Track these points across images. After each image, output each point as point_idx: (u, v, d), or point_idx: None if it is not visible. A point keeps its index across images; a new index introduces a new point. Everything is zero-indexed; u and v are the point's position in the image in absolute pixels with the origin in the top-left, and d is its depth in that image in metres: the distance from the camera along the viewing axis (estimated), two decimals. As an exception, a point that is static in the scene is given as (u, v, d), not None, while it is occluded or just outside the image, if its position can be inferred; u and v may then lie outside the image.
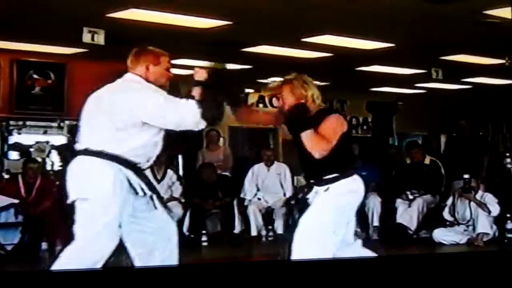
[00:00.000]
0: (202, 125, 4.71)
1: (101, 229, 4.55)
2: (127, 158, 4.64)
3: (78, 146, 4.73)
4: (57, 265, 4.53)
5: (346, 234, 5.01)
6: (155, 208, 4.79)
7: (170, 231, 4.91)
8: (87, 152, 4.65)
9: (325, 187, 4.93)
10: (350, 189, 4.95)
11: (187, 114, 4.64)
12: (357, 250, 5.15)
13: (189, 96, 4.74)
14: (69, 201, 4.67)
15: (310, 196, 5.03)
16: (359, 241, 5.25)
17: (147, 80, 4.84)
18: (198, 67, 4.93)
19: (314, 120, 4.92)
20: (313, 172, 5.05)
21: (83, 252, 4.54)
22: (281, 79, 5.23)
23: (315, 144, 4.82)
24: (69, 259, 4.54)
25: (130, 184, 4.67)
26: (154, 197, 4.83)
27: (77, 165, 4.70)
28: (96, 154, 4.62)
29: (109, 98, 4.73)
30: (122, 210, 4.62)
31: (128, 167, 4.66)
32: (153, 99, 4.70)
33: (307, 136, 4.84)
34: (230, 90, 5.12)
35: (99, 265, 4.52)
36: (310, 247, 4.80)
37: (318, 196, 4.96)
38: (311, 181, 5.06)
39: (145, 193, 4.74)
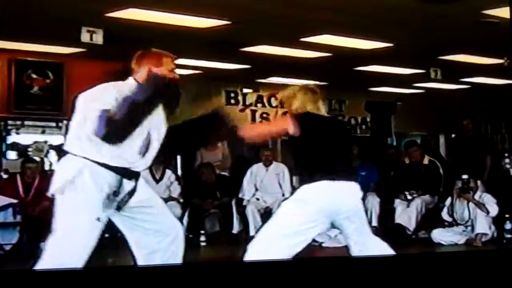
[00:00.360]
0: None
1: (71, 224, 4.56)
2: (91, 158, 4.58)
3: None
4: (43, 257, 4.61)
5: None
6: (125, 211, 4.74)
7: (173, 233, 4.87)
8: (65, 151, 4.68)
9: None
10: (298, 198, 5.09)
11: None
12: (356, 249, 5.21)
13: None
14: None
15: None
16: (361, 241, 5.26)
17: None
18: None
19: None
20: None
21: (60, 246, 4.56)
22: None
23: None
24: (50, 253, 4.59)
25: (99, 182, 4.61)
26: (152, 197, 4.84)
27: (59, 163, 4.85)
28: (68, 153, 4.64)
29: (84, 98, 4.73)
30: (95, 207, 4.58)
31: (107, 168, 4.61)
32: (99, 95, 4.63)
33: None
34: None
35: (79, 260, 4.52)
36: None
37: None
38: None
39: (115, 194, 4.65)
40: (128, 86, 4.71)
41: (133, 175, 4.72)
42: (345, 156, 5.34)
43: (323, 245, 9.76)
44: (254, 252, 5.06)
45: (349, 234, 5.19)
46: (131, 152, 4.67)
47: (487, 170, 10.70)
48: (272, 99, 16.00)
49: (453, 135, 12.05)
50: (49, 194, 4.64)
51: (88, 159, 4.57)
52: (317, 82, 15.70)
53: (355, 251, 5.17)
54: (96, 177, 4.59)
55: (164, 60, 4.84)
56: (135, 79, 4.78)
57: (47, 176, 10.57)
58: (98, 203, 4.59)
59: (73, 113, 4.69)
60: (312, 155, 5.11)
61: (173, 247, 4.84)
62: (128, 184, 4.68)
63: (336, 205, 5.05)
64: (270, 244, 5.01)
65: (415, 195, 10.42)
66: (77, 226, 4.55)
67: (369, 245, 5.22)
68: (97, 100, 4.58)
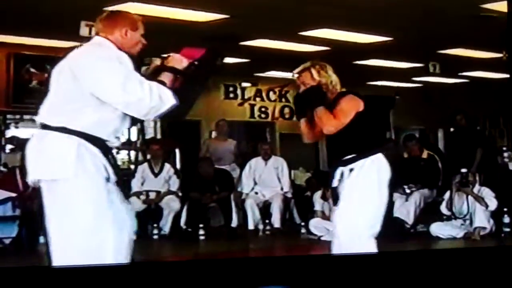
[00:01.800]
0: (153, 116, 4.18)
1: (87, 215, 4.06)
2: (91, 133, 4.11)
3: (39, 120, 4.25)
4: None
5: None
6: (124, 199, 4.29)
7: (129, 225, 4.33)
8: (46, 126, 4.17)
9: (348, 167, 5.04)
10: (376, 168, 5.05)
11: (155, 100, 4.07)
12: None
13: (159, 81, 4.19)
14: (30, 182, 4.25)
15: (336, 175, 5.12)
16: None
17: (121, 47, 4.29)
18: (174, 54, 4.38)
19: (332, 103, 5.12)
20: (336, 153, 5.18)
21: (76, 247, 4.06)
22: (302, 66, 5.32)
23: (325, 120, 5.01)
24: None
25: (97, 164, 4.16)
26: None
27: (36, 141, 4.21)
28: (56, 128, 4.11)
29: (70, 65, 4.18)
30: (101, 192, 4.13)
31: (95, 144, 4.15)
32: (113, 71, 4.11)
33: (317, 113, 5.05)
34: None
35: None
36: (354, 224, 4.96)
37: (346, 179, 5.07)
38: (335, 161, 5.18)
39: (108, 178, 4.19)
40: (112, 50, 4.25)
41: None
42: None
43: (322, 238, 9.77)
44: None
45: None
46: (124, 126, 4.34)
47: (476, 163, 10.74)
48: (271, 93, 16.02)
49: (451, 129, 12.03)
50: (30, 181, 4.21)
51: (88, 135, 4.11)
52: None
53: None
54: (95, 158, 4.15)
55: (139, 24, 4.42)
56: (107, 38, 4.31)
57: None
58: (104, 191, 4.14)
59: (61, 80, 4.18)
60: (371, 130, 5.15)
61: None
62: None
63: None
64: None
65: (413, 189, 10.43)
66: (89, 221, 4.08)
67: None
68: (105, 61, 4.13)
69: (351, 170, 5.04)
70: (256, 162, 11.20)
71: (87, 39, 10.20)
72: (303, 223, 10.41)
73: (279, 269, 4.03)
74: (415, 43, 11.85)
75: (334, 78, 5.28)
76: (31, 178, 4.23)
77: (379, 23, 10.55)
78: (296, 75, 5.35)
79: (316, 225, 9.99)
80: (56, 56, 12.41)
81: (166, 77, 4.26)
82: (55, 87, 4.22)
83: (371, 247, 4.97)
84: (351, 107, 5.09)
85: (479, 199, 9.63)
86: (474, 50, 12.94)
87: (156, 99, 4.08)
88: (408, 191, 10.44)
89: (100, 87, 4.09)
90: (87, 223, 4.07)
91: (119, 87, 4.05)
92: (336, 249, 4.98)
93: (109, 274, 3.99)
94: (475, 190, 9.76)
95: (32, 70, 11.98)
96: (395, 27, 10.82)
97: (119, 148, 10.95)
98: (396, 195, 10.45)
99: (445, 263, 4.28)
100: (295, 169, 13.30)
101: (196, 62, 4.40)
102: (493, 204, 9.63)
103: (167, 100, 4.12)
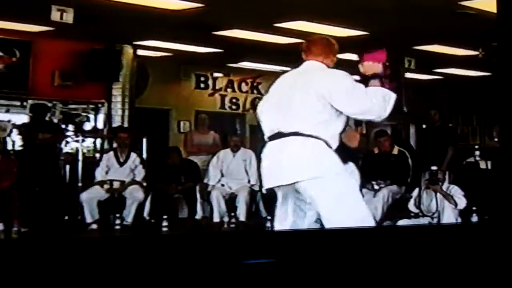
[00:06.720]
0: (384, 116, 5.03)
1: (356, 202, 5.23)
2: (329, 141, 4.98)
3: (283, 128, 5.01)
4: None
5: None
6: None
7: None
8: (299, 134, 4.94)
9: None
10: None
11: (380, 103, 4.92)
12: None
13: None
14: (291, 182, 5.06)
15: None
16: None
17: None
18: (367, 62, 5.22)
19: None
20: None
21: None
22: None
23: None
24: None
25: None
26: None
27: (295, 146, 4.99)
28: (311, 136, 4.93)
29: (316, 81, 5.06)
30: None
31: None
32: (347, 83, 5.00)
33: None
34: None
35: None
36: None
37: None
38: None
39: None
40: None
41: None
42: None
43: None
44: None
45: None
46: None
47: (446, 161, 10.71)
48: (243, 84, 15.90)
49: (423, 126, 12.01)
50: (293, 180, 5.09)
51: (327, 142, 5.00)
52: (289, 69, 15.61)
53: None
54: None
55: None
56: (326, 64, 5.37)
57: (9, 156, 10.42)
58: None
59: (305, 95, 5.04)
60: None
61: None
62: None
63: None
64: None
65: (382, 185, 10.35)
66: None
67: None
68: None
69: None
70: (224, 154, 11.12)
71: (57, 24, 10.09)
72: (269, 217, 10.28)
73: (265, 244, 3.98)
74: (391, 38, 11.78)
75: None
76: (292, 179, 5.09)
77: (355, 17, 10.48)
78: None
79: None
80: (25, 40, 12.22)
81: (375, 82, 5.04)
82: (299, 102, 5.03)
83: None
84: None
85: (448, 197, 9.57)
86: (450, 47, 12.91)
87: (380, 101, 4.92)
88: (376, 187, 10.37)
89: (343, 101, 4.97)
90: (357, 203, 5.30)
91: (357, 100, 4.95)
92: None
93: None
94: (444, 188, 9.70)
95: (0, 53, 11.77)
96: (371, 21, 10.75)
97: (85, 136, 10.78)
98: (364, 191, 10.36)
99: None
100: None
101: (387, 63, 5.07)
102: (462, 202, 9.58)
103: (388, 97, 4.94)
